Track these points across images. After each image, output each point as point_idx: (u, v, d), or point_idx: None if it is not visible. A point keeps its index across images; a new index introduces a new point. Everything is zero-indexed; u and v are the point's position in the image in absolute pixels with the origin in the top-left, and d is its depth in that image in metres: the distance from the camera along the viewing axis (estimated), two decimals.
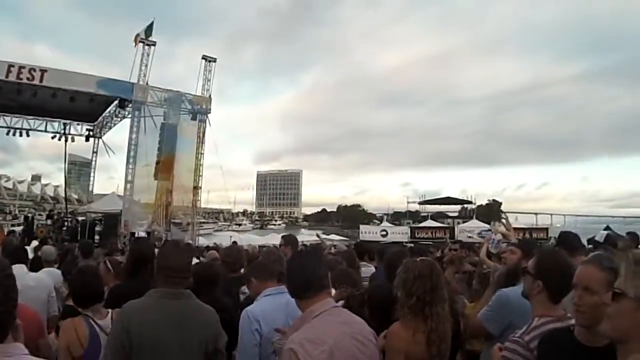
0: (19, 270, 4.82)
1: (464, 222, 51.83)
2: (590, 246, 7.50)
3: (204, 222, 67.98)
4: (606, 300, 1.90)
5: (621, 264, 1.88)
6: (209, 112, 30.76)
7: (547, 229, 45.47)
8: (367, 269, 6.78)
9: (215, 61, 31.50)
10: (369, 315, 3.76)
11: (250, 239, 34.83)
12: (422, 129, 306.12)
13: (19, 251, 6.29)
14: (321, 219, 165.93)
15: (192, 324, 3.23)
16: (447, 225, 48.98)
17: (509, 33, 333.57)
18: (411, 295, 3.20)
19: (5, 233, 20.15)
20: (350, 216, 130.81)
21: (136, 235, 25.59)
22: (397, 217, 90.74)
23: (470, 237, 37.64)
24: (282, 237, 7.31)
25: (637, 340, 1.74)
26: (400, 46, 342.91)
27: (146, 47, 28.70)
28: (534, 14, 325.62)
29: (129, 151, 28.08)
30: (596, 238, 7.88)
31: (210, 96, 30.86)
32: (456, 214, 78.10)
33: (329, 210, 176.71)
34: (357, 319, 3.03)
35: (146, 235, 26.22)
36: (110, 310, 3.87)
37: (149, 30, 29.25)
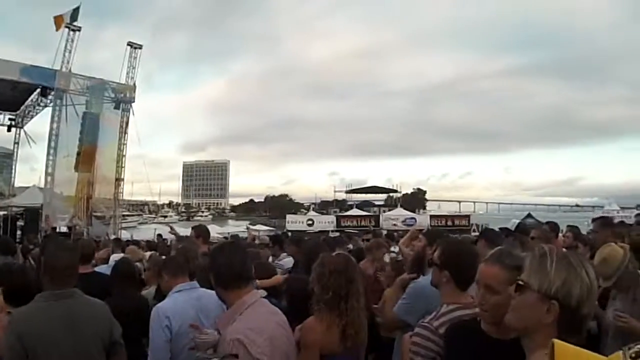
0: None
1: (389, 210, 52.75)
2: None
3: (127, 215, 66.57)
4: (511, 293, 1.91)
5: (526, 257, 1.91)
6: (133, 101, 30.06)
7: (469, 216, 47.06)
8: (289, 260, 6.86)
9: (141, 48, 30.79)
10: (287, 306, 3.82)
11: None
12: (350, 120, 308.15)
13: None
14: (249, 209, 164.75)
15: (83, 322, 3.17)
16: (372, 214, 49.54)
17: (437, 28, 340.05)
18: (327, 290, 3.19)
19: None
20: (278, 206, 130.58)
21: (57, 230, 24.94)
22: (324, 207, 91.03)
23: (395, 225, 38.55)
24: (193, 228, 7.09)
25: (541, 333, 1.76)
26: (331, 38, 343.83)
27: (71, 32, 27.73)
28: (461, 11, 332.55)
29: (49, 142, 27.25)
30: (508, 226, 8.14)
31: (134, 84, 30.18)
32: (382, 203, 79.31)
33: (256, 200, 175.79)
34: (276, 309, 3.13)
35: (67, 230, 25.59)
36: None
37: (74, 14, 28.13)
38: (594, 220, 6.79)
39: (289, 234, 19.20)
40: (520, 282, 1.83)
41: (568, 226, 8.45)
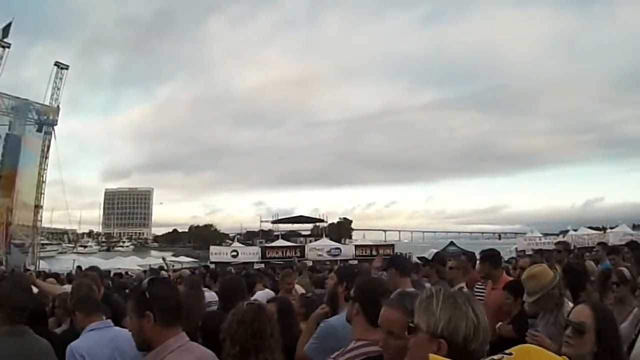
0: None
1: (315, 240, 52.83)
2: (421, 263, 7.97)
3: (46, 244, 64.39)
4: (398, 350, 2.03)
5: (416, 300, 2.01)
6: (56, 124, 29.18)
7: (393, 245, 47.76)
8: (210, 294, 6.68)
9: (67, 68, 30.02)
10: (202, 343, 3.67)
11: (94, 262, 33.21)
12: (278, 150, 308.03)
13: None
14: (172, 239, 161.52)
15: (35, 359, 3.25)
16: (297, 245, 49.48)
17: (365, 62, 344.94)
18: (234, 344, 3.02)
19: None
20: (202, 236, 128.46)
21: None
22: (249, 237, 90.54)
23: (320, 255, 38.61)
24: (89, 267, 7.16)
25: None
26: (262, 68, 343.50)
27: (0, 49, 26.74)
28: (390, 46, 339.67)
29: None
30: (425, 255, 8.34)
31: (58, 106, 29.36)
32: (308, 233, 79.50)
33: (180, 230, 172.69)
34: (209, 353, 2.96)
35: None
36: None
37: (5, 31, 27.19)
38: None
39: (212, 266, 18.88)
40: (411, 324, 1.94)
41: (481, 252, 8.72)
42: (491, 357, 1.30)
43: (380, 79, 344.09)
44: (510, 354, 1.29)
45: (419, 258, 8.26)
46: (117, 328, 3.94)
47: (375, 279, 3.85)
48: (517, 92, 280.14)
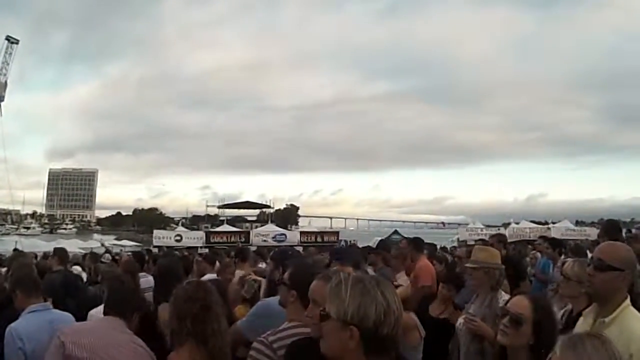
0: None
1: (261, 226, 52.71)
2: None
3: None
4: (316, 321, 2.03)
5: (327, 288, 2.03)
6: (2, 100, 28.32)
7: (338, 232, 47.97)
8: (147, 280, 6.55)
9: (17, 43, 29.08)
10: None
11: (36, 244, 32.34)
12: (227, 134, 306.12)
13: None
14: (116, 222, 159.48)
15: None
16: (242, 230, 49.25)
17: (321, 50, 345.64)
18: (184, 320, 3.02)
19: None
20: (147, 220, 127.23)
21: None
22: (195, 222, 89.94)
23: (265, 240, 38.51)
24: (54, 249, 7.15)
25: (349, 357, 1.87)
26: (215, 50, 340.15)
27: None
28: (346, 36, 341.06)
29: None
30: (370, 244, 8.41)
31: (6, 82, 28.44)
32: (254, 218, 79.38)
33: (124, 213, 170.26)
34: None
35: None
36: None
37: None
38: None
39: (155, 250, 18.63)
40: (323, 312, 1.94)
41: (426, 244, 8.74)
42: None
43: (334, 68, 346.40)
44: None
45: (363, 248, 8.31)
46: (56, 311, 3.95)
47: (309, 264, 3.91)
48: (468, 88, 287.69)
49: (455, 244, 29.02)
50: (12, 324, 3.64)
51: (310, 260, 6.38)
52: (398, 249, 7.55)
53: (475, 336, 3.97)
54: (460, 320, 4.24)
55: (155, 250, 24.85)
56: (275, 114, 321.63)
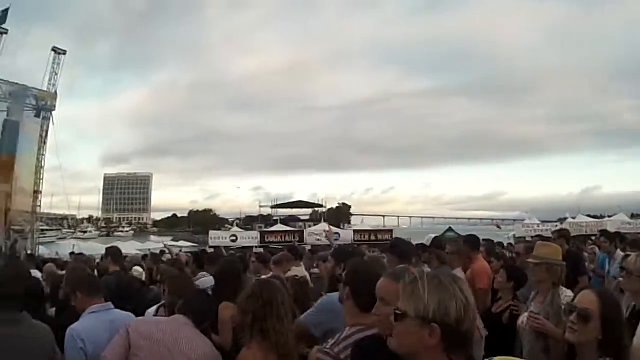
0: None
1: (314, 225, 52.76)
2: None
3: (46, 230, 64.42)
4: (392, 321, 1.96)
5: (400, 286, 1.98)
6: (54, 109, 28.98)
7: (392, 230, 47.62)
8: (207, 280, 6.67)
9: (65, 54, 29.76)
10: None
11: (94, 247, 33.21)
12: (274, 135, 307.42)
13: None
14: (172, 224, 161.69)
15: (27, 349, 3.18)
16: (296, 229, 49.37)
17: (363, 47, 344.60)
18: (247, 314, 3.20)
19: None
20: (202, 221, 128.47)
21: None
22: (249, 222, 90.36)
23: (318, 240, 38.43)
24: (106, 249, 7.14)
25: (428, 355, 1.82)
26: (258, 53, 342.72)
27: None
28: (387, 32, 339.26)
29: None
30: (423, 241, 8.27)
31: (56, 92, 29.13)
32: (307, 218, 79.44)
33: (179, 215, 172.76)
34: None
35: None
36: None
37: (3, 16, 26.85)
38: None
39: (211, 250, 18.84)
40: (398, 312, 1.88)
41: (483, 240, 8.59)
42: None
43: (377, 65, 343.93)
44: None
45: (417, 245, 8.18)
46: (117, 310, 3.97)
47: (368, 262, 3.83)
48: (514, 79, 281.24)
49: (512, 240, 28.47)
50: (73, 325, 3.70)
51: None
52: (454, 245, 7.41)
53: (539, 335, 3.93)
54: (523, 319, 4.19)
55: (211, 250, 25.16)
56: (321, 113, 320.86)
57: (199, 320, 3.55)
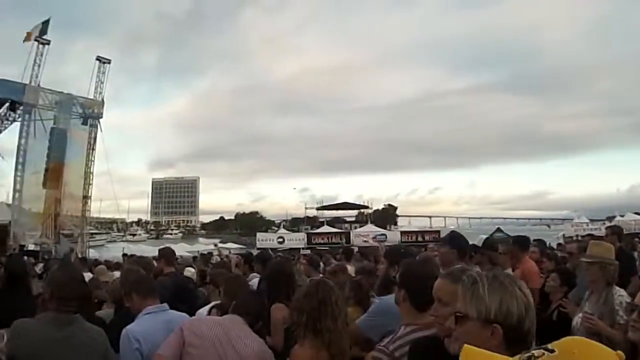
0: None
1: (360, 226, 52.69)
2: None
3: (95, 233, 65.61)
4: (450, 325, 1.96)
5: (459, 287, 1.97)
6: (101, 117, 29.63)
7: (439, 231, 47.02)
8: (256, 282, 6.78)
9: (109, 63, 30.42)
10: None
11: (143, 250, 33.89)
12: (318, 137, 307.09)
13: None
14: (219, 227, 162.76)
15: (81, 349, 3.26)
16: (343, 231, 49.29)
17: (404, 47, 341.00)
18: (302, 314, 3.28)
19: None
20: (249, 223, 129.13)
21: (26, 247, 24.46)
22: (295, 224, 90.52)
23: (365, 241, 38.42)
24: (159, 250, 7.22)
25: None
26: (299, 55, 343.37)
27: (40, 45, 27.34)
28: (430, 30, 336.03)
29: (17, 157, 26.84)
30: (475, 242, 8.10)
31: (102, 100, 29.80)
32: (353, 219, 79.27)
33: (226, 217, 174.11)
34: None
35: (35, 248, 25.12)
36: None
37: (44, 28, 27.69)
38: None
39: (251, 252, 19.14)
40: (459, 314, 1.87)
41: (534, 240, 8.49)
42: (531, 352, 1.20)
43: (418, 64, 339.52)
44: (552, 350, 1.17)
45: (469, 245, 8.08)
46: (172, 311, 4.02)
47: (422, 263, 3.88)
48: (560, 74, 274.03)
49: (561, 240, 28.01)
50: (129, 326, 3.73)
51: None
52: (506, 245, 7.33)
53: (593, 335, 3.78)
54: (577, 319, 4.16)
55: (251, 252, 25.40)
56: (365, 114, 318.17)
57: (252, 321, 3.60)
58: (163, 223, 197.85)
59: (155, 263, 6.90)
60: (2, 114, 29.60)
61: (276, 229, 70.24)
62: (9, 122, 30.29)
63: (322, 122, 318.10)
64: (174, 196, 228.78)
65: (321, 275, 6.91)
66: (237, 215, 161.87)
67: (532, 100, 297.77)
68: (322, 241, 40.58)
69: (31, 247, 25.55)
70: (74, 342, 3.24)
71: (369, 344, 3.61)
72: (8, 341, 3.12)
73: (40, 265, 12.72)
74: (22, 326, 3.20)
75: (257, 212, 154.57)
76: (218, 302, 4.70)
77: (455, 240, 4.94)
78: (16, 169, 26.61)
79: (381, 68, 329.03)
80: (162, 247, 7.52)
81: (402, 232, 45.16)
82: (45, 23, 27.67)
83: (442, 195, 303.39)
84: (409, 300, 2.92)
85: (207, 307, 4.76)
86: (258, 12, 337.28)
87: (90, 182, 30.23)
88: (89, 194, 30.35)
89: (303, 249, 34.90)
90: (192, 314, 4.47)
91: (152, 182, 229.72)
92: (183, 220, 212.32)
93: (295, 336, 3.36)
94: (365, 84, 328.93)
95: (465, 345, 1.36)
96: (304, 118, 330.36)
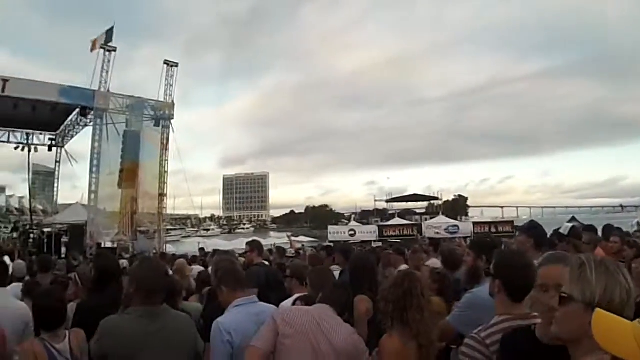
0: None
1: (431, 218, 52.15)
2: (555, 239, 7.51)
3: (171, 229, 67.36)
4: (554, 305, 1.94)
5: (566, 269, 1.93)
6: (172, 118, 30.32)
7: (512, 221, 46.02)
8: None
9: (177, 66, 31.02)
10: None
11: (218, 244, 34.49)
12: (385, 129, 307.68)
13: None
14: (290, 221, 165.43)
15: (171, 340, 3.36)
16: (414, 223, 48.84)
17: (467, 33, 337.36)
18: (388, 303, 3.34)
19: None
20: (319, 217, 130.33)
21: (102, 246, 25.25)
22: (365, 216, 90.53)
23: (437, 233, 37.97)
24: (247, 243, 7.36)
25: (589, 340, 1.68)
26: (360, 48, 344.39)
27: (107, 53, 28.16)
28: (490, 15, 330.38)
29: (91, 160, 27.63)
30: (561, 230, 7.84)
31: (172, 102, 30.44)
32: (423, 211, 78.62)
33: (296, 211, 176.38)
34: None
35: (113, 246, 25.91)
36: (67, 332, 3.81)
37: (109, 35, 28.54)
38: None
39: (332, 245, 19.08)
40: (564, 295, 1.84)
41: (616, 228, 8.17)
42: None
43: (482, 51, 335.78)
44: None
45: (554, 232, 7.79)
46: (262, 304, 3.99)
47: (516, 253, 3.69)
48: (632, 55, 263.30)
49: (636, 227, 26.74)
50: (220, 318, 3.72)
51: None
52: (589, 235, 7.21)
53: None
54: None
55: (331, 245, 25.43)
56: (431, 104, 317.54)
57: (340, 311, 3.58)
58: (235, 218, 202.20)
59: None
60: (74, 119, 30.70)
61: (346, 222, 70.33)
62: (81, 127, 31.47)
63: (387, 114, 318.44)
64: (244, 192, 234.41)
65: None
66: (307, 208, 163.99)
67: (604, 83, 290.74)
68: (393, 233, 40.24)
69: (108, 244, 26.49)
70: (166, 333, 3.35)
71: (460, 339, 3.52)
72: (97, 341, 3.26)
73: (124, 261, 13.01)
74: (110, 324, 3.28)
75: (326, 206, 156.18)
76: (301, 294, 4.67)
77: (533, 229, 4.90)
78: (91, 171, 27.41)
79: (446, 56, 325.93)
80: (251, 239, 7.71)
81: (475, 223, 44.33)
82: (110, 31, 28.48)
83: (513, 185, 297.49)
84: (504, 291, 2.86)
85: (291, 299, 4.76)
86: (317, 7, 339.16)
87: (165, 181, 30.95)
88: (165, 192, 31.07)
89: (374, 241, 34.72)
90: (279, 304, 4.46)
91: (223, 178, 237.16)
92: (254, 215, 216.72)
93: (383, 326, 3.42)
94: (429, 72, 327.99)
95: (598, 309, 1.50)
96: (368, 111, 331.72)
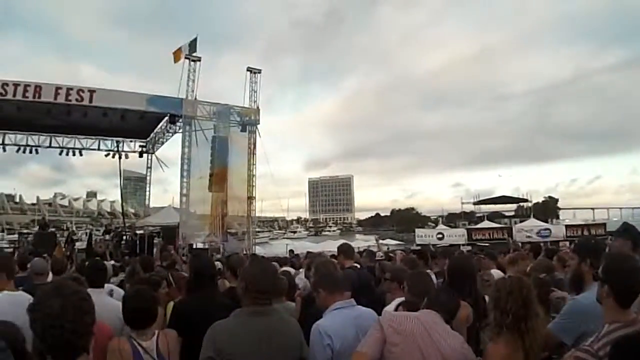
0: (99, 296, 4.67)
1: (521, 221, 50.67)
2: None
3: (259, 231, 68.53)
4: None
5: None
6: (258, 123, 30.91)
7: (604, 224, 43.88)
8: None
9: (260, 72, 31.57)
10: None
11: (305, 246, 34.81)
12: (468, 128, 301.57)
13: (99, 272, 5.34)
14: (375, 223, 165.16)
15: (281, 340, 3.34)
16: (504, 226, 47.60)
17: (547, 25, 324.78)
18: (507, 314, 3.14)
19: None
20: (405, 220, 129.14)
21: (194, 247, 26.02)
22: (451, 219, 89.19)
23: (529, 236, 36.85)
24: (338, 246, 7.40)
25: None
26: (440, 46, 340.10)
27: (192, 62, 28.97)
28: (570, 5, 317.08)
29: (182, 165, 28.43)
30: None
31: (258, 107, 30.99)
32: (512, 214, 76.60)
33: (382, 214, 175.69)
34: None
35: (205, 247, 26.67)
36: (156, 331, 3.91)
37: (192, 46, 29.35)
38: None
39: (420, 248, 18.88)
40: None
41: None
42: None
43: (566, 41, 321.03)
44: None
45: None
46: (360, 307, 3.97)
47: (625, 256, 3.46)
48: None
49: None
50: (319, 322, 3.73)
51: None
52: None
53: None
54: None
55: (418, 248, 25.15)
56: (515, 100, 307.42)
57: (447, 318, 3.46)
58: (321, 220, 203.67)
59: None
60: (163, 127, 31.83)
61: (432, 224, 69.50)
62: (170, 134, 32.65)
63: (472, 113, 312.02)
64: (329, 194, 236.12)
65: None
66: (392, 211, 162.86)
67: None
68: (482, 237, 39.28)
69: (199, 245, 27.31)
70: (275, 333, 3.34)
71: (561, 348, 3.52)
72: (207, 343, 3.23)
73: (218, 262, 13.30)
74: (221, 327, 3.31)
75: (412, 208, 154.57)
76: (402, 299, 4.58)
77: (629, 231, 4.91)
78: (182, 176, 28.23)
79: (526, 49, 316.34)
80: (341, 243, 8.04)
81: (567, 226, 42.52)
82: (193, 42, 29.29)
83: (603, 185, 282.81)
84: (613, 296, 2.80)
85: (393, 304, 4.70)
86: (393, 6, 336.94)
87: (253, 184, 31.49)
88: (253, 195, 31.65)
89: (463, 245, 34.03)
90: (373, 308, 4.33)
91: (309, 181, 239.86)
92: (340, 218, 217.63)
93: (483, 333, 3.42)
94: (511, 67, 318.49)
95: None
96: (451, 110, 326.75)
